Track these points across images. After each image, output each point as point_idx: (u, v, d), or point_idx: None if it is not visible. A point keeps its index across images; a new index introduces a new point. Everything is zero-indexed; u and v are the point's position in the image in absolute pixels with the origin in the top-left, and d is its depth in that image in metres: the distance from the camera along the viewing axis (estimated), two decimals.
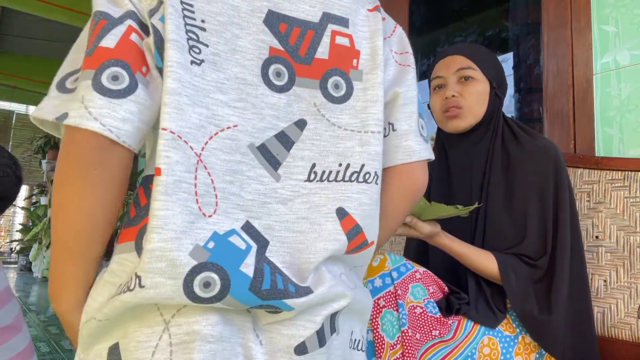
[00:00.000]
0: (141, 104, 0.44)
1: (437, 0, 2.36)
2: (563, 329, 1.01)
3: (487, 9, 2.14)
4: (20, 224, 7.94)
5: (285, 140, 0.47)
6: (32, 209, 7.10)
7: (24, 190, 9.91)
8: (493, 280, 1.05)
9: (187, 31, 0.44)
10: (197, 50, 0.45)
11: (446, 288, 1.05)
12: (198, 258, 0.42)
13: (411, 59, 0.56)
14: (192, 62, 0.44)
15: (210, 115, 0.45)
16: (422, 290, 0.97)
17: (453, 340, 0.98)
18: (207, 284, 0.42)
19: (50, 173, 7.42)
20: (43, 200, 7.26)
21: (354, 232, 0.48)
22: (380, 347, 0.88)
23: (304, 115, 0.48)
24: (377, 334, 0.89)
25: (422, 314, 0.94)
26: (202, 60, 0.45)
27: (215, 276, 0.42)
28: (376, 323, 0.90)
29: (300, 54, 0.48)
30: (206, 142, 0.44)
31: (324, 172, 0.47)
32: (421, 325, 0.93)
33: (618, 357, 1.12)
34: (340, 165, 0.48)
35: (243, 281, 0.43)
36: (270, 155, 0.46)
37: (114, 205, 0.46)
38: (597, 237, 1.21)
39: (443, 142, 1.23)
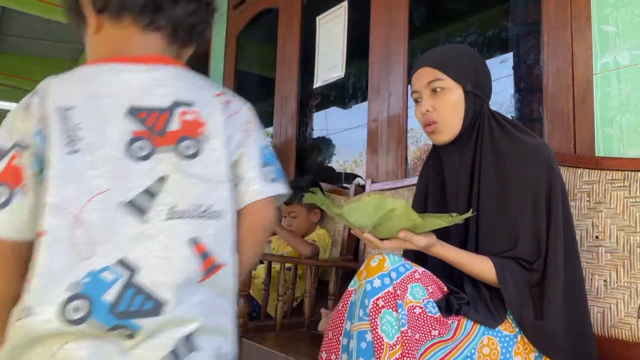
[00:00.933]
0: (16, 210, 0.59)
1: (437, 0, 2.35)
2: (559, 332, 1.01)
3: (487, 9, 2.13)
4: None
5: (150, 194, 0.61)
6: None
7: None
8: (491, 284, 1.05)
9: (66, 132, 0.60)
10: (75, 144, 0.60)
11: (445, 288, 1.04)
12: (73, 291, 0.56)
13: (254, 126, 0.73)
14: (69, 153, 0.59)
15: (86, 187, 0.59)
16: (422, 290, 0.96)
17: (452, 340, 0.97)
18: (76, 309, 0.55)
19: None
20: None
21: (203, 256, 0.62)
22: (379, 348, 0.88)
23: (165, 172, 0.62)
24: (376, 334, 0.89)
25: (422, 314, 0.93)
26: (79, 150, 0.60)
27: (83, 302, 0.55)
28: (375, 324, 0.89)
29: (156, 130, 0.63)
30: (84, 206, 0.58)
31: (181, 211, 0.62)
32: (420, 325, 0.92)
33: (618, 357, 1.12)
34: (193, 205, 0.62)
35: (104, 306, 0.56)
36: (138, 207, 0.60)
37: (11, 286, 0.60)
38: (597, 237, 1.21)
39: (438, 147, 1.23)
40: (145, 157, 0.62)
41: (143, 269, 0.58)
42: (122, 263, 0.58)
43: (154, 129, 0.63)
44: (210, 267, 0.62)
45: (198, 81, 0.72)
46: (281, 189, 0.72)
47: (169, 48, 0.71)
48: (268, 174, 0.71)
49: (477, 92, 1.13)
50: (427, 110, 1.13)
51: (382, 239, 1.01)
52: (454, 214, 0.97)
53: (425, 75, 1.14)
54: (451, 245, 1.06)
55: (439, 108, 1.13)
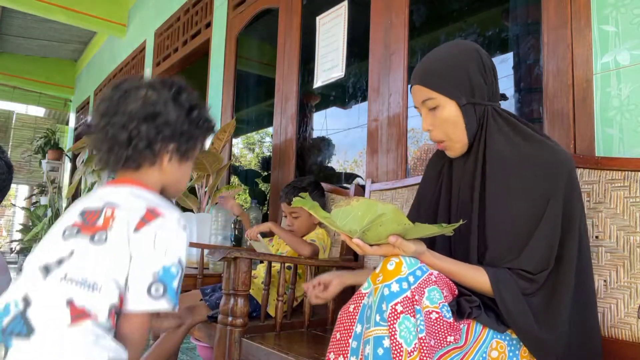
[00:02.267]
0: None
1: (437, 0, 2.36)
2: (563, 345, 0.99)
3: (487, 9, 2.14)
4: (20, 224, 7.94)
5: (59, 262, 0.80)
6: (32, 209, 7.09)
7: (24, 190, 9.88)
8: (485, 295, 1.02)
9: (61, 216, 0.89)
10: (55, 224, 0.88)
11: (456, 290, 1.02)
12: None
13: (161, 242, 0.83)
14: (51, 228, 0.88)
15: (36, 251, 0.85)
16: (438, 293, 0.93)
17: (465, 346, 0.96)
18: None
19: (50, 173, 7.41)
20: (43, 200, 7.25)
21: (74, 311, 0.76)
22: (398, 354, 0.85)
23: (74, 251, 0.80)
24: (394, 340, 0.86)
25: (438, 320, 0.91)
26: (52, 228, 0.87)
27: None
28: (393, 329, 0.86)
29: (88, 222, 0.84)
30: (27, 262, 0.83)
31: (70, 279, 0.78)
32: (436, 331, 0.90)
33: (618, 357, 1.12)
34: (81, 278, 0.78)
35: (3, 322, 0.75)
36: (47, 269, 0.79)
37: None
38: (597, 237, 1.21)
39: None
40: (68, 238, 0.82)
41: (31, 306, 0.76)
42: (24, 299, 0.77)
43: (87, 222, 0.84)
44: (77, 316, 0.76)
45: (143, 195, 0.88)
46: (160, 306, 0.81)
47: (141, 169, 0.91)
48: (153, 291, 0.81)
49: (474, 100, 1.09)
50: (429, 130, 1.12)
51: (371, 245, 0.98)
52: (444, 224, 0.94)
53: (418, 93, 1.12)
54: (442, 255, 1.03)
55: (438, 125, 1.11)
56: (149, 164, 0.90)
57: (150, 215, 0.84)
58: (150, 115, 0.87)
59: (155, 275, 0.81)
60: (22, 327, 0.74)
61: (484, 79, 1.10)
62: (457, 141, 1.11)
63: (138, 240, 0.81)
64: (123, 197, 0.87)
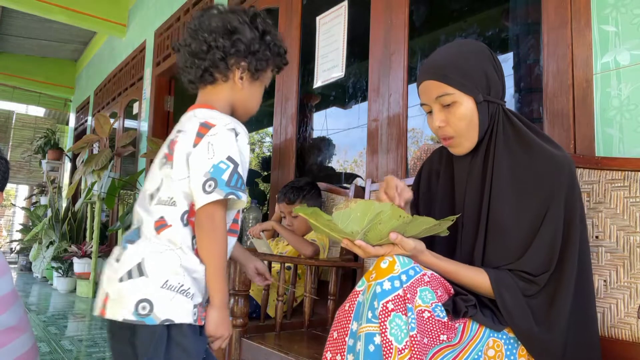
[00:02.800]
0: None
1: (437, 0, 2.36)
2: (562, 345, 0.99)
3: (487, 9, 2.14)
4: (20, 224, 7.93)
5: (157, 189, 0.99)
6: (32, 209, 7.08)
7: (24, 190, 9.88)
8: (485, 296, 1.03)
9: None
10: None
11: (452, 290, 1.02)
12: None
13: (213, 148, 0.96)
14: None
15: (145, 183, 1.05)
16: (431, 293, 0.94)
17: (460, 344, 0.96)
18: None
19: (50, 173, 7.41)
20: (43, 200, 7.24)
21: (160, 221, 0.97)
22: (388, 352, 0.85)
23: (163, 178, 0.99)
24: (384, 338, 0.86)
25: (430, 318, 0.91)
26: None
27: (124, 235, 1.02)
28: (384, 327, 0.87)
29: (172, 151, 0.99)
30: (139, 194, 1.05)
31: (162, 200, 0.98)
32: (429, 330, 0.91)
33: (618, 357, 1.12)
34: (168, 197, 0.98)
35: (125, 237, 1.01)
36: (151, 196, 1.00)
37: None
38: (597, 237, 1.21)
39: (449, 153, 1.18)
40: (161, 168, 1.00)
41: (143, 223, 0.98)
42: (140, 219, 0.99)
43: (171, 151, 0.99)
44: (159, 226, 0.96)
45: (201, 113, 1.00)
46: (213, 197, 0.93)
47: (210, 89, 1.05)
48: (207, 187, 0.93)
49: (490, 97, 1.08)
50: (440, 126, 1.09)
51: (373, 246, 0.98)
52: (441, 220, 0.95)
53: (432, 89, 1.08)
54: (442, 256, 1.03)
55: (452, 122, 1.08)
56: (222, 79, 1.02)
57: (204, 128, 0.97)
58: (227, 31, 1.00)
59: (206, 174, 0.93)
60: (136, 236, 0.97)
61: (498, 77, 1.10)
62: (467, 138, 1.09)
63: (195, 153, 0.95)
64: (185, 121, 1.01)
